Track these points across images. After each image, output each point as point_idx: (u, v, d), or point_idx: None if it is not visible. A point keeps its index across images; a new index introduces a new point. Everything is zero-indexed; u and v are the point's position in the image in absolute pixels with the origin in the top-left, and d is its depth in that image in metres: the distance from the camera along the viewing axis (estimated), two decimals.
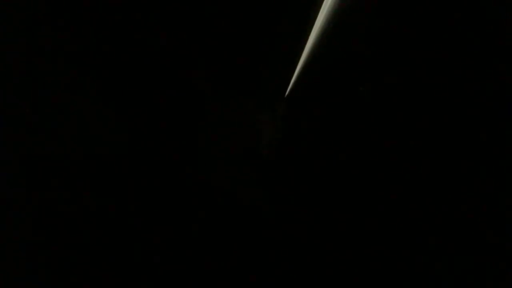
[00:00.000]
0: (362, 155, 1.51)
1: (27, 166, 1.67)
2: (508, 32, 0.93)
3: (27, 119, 1.67)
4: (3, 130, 1.64)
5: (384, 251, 1.37)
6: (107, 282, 1.71)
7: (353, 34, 1.43)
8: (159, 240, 1.76)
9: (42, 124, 1.70)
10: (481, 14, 1.00)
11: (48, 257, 1.65)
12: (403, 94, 1.28)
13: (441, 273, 1.18)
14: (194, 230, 1.80)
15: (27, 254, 1.64)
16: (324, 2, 1.36)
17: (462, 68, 1.08)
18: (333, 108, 1.70)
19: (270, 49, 1.79)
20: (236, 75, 1.89)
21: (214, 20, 1.71)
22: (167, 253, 1.76)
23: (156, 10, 1.71)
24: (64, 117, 1.73)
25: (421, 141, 1.24)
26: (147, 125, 1.83)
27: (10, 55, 1.66)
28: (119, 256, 1.73)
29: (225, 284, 1.77)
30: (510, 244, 1.03)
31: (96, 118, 1.77)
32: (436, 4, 1.08)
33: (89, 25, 1.72)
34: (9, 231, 1.62)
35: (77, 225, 1.70)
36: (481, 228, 1.08)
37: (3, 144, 1.64)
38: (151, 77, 1.83)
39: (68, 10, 1.68)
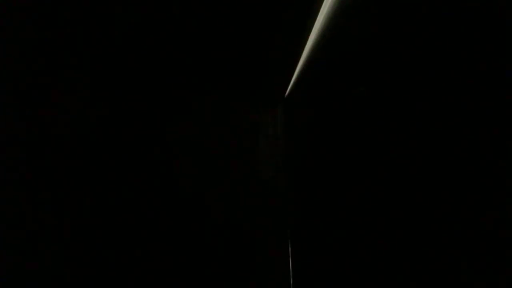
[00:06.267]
0: (362, 155, 1.51)
1: (26, 166, 1.68)
2: (508, 32, 0.94)
3: (26, 118, 1.68)
4: (4, 129, 1.65)
5: (384, 251, 1.37)
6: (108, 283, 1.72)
7: (352, 35, 1.43)
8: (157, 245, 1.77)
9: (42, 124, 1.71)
10: (480, 16, 1.01)
11: (49, 256, 1.67)
12: (402, 95, 1.29)
13: (441, 273, 1.18)
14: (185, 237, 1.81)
15: (28, 254, 1.65)
16: (324, 3, 1.36)
17: (461, 69, 1.08)
18: (332, 108, 1.70)
19: (270, 49, 1.79)
20: (236, 75, 1.90)
21: (215, 21, 1.71)
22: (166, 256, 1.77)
23: (156, 10, 1.71)
24: (62, 117, 1.74)
25: (420, 141, 1.24)
26: (144, 122, 1.83)
27: (9, 54, 1.67)
28: (120, 258, 1.74)
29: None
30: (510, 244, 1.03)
31: (93, 118, 1.78)
32: (435, 6, 1.09)
33: (89, 23, 1.73)
34: (9, 231, 1.63)
35: (77, 226, 1.71)
36: (481, 228, 1.08)
37: (4, 143, 1.65)
38: (150, 77, 1.83)
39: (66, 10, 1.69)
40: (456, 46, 1.08)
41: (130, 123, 1.83)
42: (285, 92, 2.01)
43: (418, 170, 1.28)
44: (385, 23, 1.30)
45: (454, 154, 1.15)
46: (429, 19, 1.16)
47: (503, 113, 1.02)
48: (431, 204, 1.23)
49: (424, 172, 1.26)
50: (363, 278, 1.47)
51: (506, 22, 0.96)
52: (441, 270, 1.18)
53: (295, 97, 1.97)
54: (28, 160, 1.68)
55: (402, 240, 1.32)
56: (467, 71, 1.08)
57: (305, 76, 1.83)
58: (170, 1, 1.66)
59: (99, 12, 1.71)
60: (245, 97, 1.94)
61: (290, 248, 1.86)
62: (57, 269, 1.67)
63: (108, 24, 1.74)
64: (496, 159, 1.05)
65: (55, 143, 1.71)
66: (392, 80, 1.33)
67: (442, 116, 1.18)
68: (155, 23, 1.74)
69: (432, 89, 1.17)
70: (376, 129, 1.43)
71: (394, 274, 1.35)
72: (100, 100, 1.79)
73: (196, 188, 1.87)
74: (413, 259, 1.29)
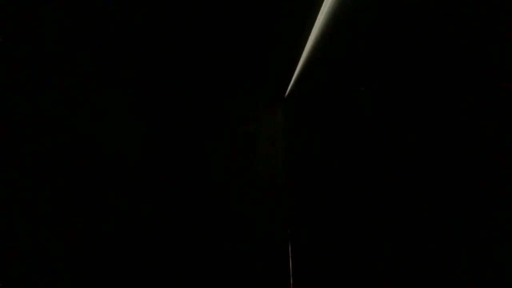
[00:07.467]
0: (361, 154, 1.51)
1: (32, 168, 1.68)
2: (507, 33, 0.94)
3: (28, 120, 1.68)
4: (5, 130, 1.65)
5: (384, 251, 1.37)
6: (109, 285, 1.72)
7: (352, 35, 1.43)
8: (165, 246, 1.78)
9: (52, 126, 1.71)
10: (480, 16, 1.01)
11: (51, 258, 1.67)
12: (401, 94, 1.29)
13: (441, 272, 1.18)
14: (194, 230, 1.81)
15: (29, 254, 1.65)
16: (324, 3, 1.36)
17: (461, 69, 1.08)
18: (332, 108, 1.70)
19: (270, 49, 1.79)
20: (236, 75, 1.90)
21: (215, 22, 1.71)
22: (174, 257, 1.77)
23: (156, 10, 1.71)
24: (72, 119, 1.74)
25: (419, 140, 1.24)
26: (144, 122, 1.84)
27: (13, 54, 1.67)
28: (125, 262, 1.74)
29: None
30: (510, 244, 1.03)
31: (99, 122, 1.78)
32: (435, 6, 1.09)
33: (94, 26, 1.73)
34: (11, 231, 1.63)
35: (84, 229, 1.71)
36: (481, 228, 1.08)
37: (5, 146, 1.65)
38: (151, 77, 1.84)
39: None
40: (456, 46, 1.08)
41: (129, 123, 1.83)
42: (285, 92, 2.01)
43: (417, 168, 1.28)
44: (385, 23, 1.30)
45: (453, 153, 1.15)
46: (429, 19, 1.16)
47: (502, 113, 1.02)
48: (429, 201, 1.23)
49: (422, 170, 1.26)
50: (363, 278, 1.47)
51: (506, 22, 0.97)
52: (440, 269, 1.18)
53: (295, 97, 1.97)
54: (28, 160, 1.68)
55: (401, 239, 1.32)
56: (467, 70, 1.08)
57: (305, 76, 1.83)
58: (171, 1, 1.66)
59: (101, 12, 1.71)
60: (245, 97, 1.94)
61: (290, 248, 1.86)
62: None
63: (109, 24, 1.74)
64: (495, 159, 1.05)
65: (54, 143, 1.71)
66: (392, 80, 1.33)
67: (442, 116, 1.18)
68: (155, 24, 1.74)
69: (432, 89, 1.17)
70: (376, 129, 1.43)
71: (394, 273, 1.35)
72: (100, 100, 1.79)
73: (195, 188, 1.87)
74: (412, 258, 1.29)
